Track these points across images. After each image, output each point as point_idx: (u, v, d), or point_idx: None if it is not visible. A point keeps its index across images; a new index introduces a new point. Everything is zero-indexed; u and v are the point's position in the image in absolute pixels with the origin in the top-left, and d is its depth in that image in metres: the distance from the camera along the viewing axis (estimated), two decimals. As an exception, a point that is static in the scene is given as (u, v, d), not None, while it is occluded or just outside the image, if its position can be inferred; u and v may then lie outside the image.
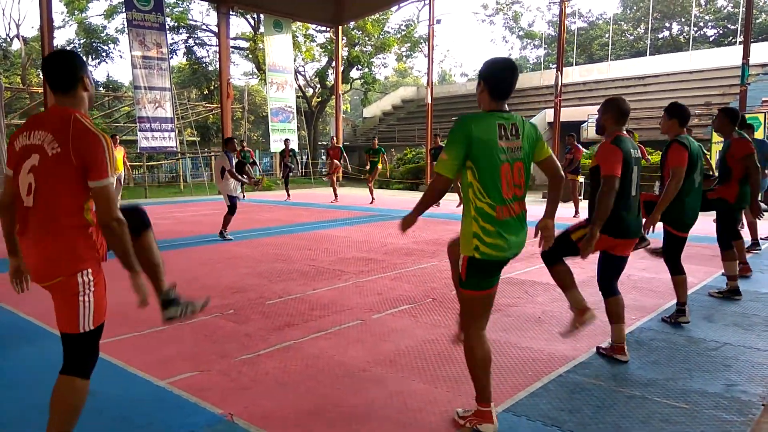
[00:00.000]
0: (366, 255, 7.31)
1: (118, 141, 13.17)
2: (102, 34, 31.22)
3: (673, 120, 4.31)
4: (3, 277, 2.81)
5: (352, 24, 28.53)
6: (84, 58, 2.45)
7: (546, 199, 2.98)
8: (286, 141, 16.83)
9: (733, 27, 36.60)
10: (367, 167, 15.51)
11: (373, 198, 14.90)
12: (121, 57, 33.96)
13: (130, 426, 2.75)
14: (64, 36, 33.10)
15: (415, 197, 17.02)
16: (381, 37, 31.19)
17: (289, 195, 16.04)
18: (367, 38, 30.90)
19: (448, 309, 4.82)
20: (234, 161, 8.83)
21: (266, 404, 3.01)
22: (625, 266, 3.76)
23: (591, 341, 3.96)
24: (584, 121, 23.71)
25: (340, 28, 23.21)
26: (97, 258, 2.27)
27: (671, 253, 4.44)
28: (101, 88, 32.19)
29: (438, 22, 20.21)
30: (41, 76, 21.50)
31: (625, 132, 3.61)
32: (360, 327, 4.33)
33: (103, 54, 31.52)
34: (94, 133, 2.16)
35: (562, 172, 2.85)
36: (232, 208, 8.58)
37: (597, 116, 3.77)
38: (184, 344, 3.96)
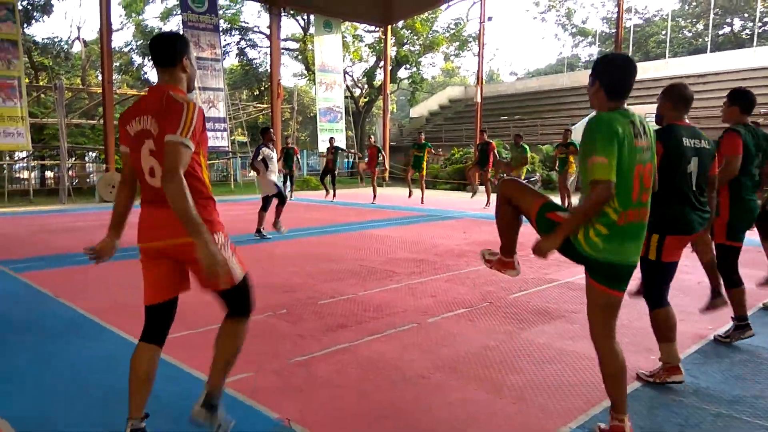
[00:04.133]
0: (417, 256, 7.15)
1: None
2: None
3: (734, 107, 3.93)
4: (62, 272, 2.79)
5: (401, 23, 28.40)
6: (189, 42, 2.51)
7: None
8: (331, 139, 16.75)
9: (801, 22, 34.70)
10: (410, 163, 15.10)
11: (411, 192, 14.63)
12: (176, 58, 34.90)
13: (191, 427, 2.67)
14: (122, 38, 34.35)
15: (462, 197, 16.73)
16: (430, 36, 30.94)
17: (329, 193, 15.81)
18: (416, 37, 30.72)
19: (506, 314, 4.61)
20: (274, 154, 8.83)
21: (322, 409, 2.89)
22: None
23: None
24: (640, 121, 22.90)
25: (389, 27, 23.11)
26: (223, 227, 2.41)
27: (724, 265, 3.95)
28: (156, 89, 33.11)
29: (489, 19, 19.87)
30: (100, 76, 22.25)
31: (686, 120, 3.28)
32: (416, 330, 4.18)
33: (158, 56, 32.37)
34: (178, 101, 2.27)
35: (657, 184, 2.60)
36: (280, 198, 8.55)
37: (657, 107, 3.44)
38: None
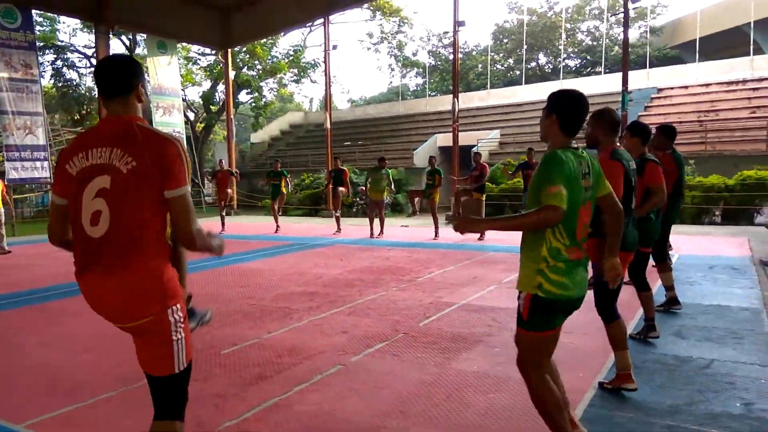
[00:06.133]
0: (305, 288, 6.81)
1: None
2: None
3: (636, 138, 4.37)
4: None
5: (240, 48, 27.65)
6: (141, 66, 2.08)
7: (607, 235, 2.78)
8: None
9: (591, 58, 40.32)
10: (269, 191, 14.61)
11: (278, 226, 14.14)
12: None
13: None
14: None
15: (318, 223, 16.55)
16: (270, 61, 30.55)
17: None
18: (256, 62, 30.11)
19: (426, 344, 4.51)
20: None
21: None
22: None
23: (587, 372, 3.85)
24: (473, 146, 24.70)
25: (229, 51, 22.36)
26: (182, 296, 2.03)
27: (638, 269, 4.42)
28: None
29: (335, 47, 20.08)
30: None
31: (618, 144, 3.56)
32: (344, 373, 3.89)
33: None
34: (164, 137, 1.93)
35: (621, 207, 2.69)
36: None
37: (587, 129, 3.67)
38: (145, 413, 3.27)
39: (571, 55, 42.53)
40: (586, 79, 32.02)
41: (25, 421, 3.17)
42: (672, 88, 25.34)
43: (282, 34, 30.20)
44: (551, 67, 43.16)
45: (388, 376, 3.82)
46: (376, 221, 12.39)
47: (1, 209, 11.01)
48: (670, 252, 8.14)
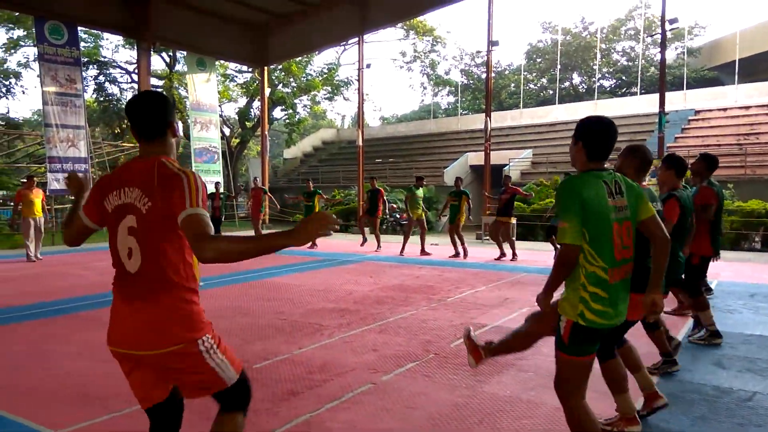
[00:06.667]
0: (336, 305, 6.83)
1: (36, 183, 11.86)
2: (1, 68, 28.83)
3: (671, 170, 4.28)
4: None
5: (276, 65, 28.17)
6: (172, 102, 2.12)
7: (651, 266, 2.65)
8: (216, 184, 15.93)
9: (626, 79, 39.85)
10: (303, 212, 14.81)
11: (314, 243, 14.30)
12: (24, 92, 31.78)
13: None
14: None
15: (348, 239, 16.61)
16: (305, 79, 31.06)
17: None
18: (291, 79, 30.64)
19: (457, 366, 4.47)
20: None
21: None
22: None
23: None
24: (505, 165, 24.58)
25: (265, 69, 22.81)
26: (211, 326, 2.07)
27: None
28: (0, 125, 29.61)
29: (368, 66, 20.30)
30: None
31: (645, 183, 3.50)
32: (375, 392, 3.89)
33: (3, 89, 29.06)
34: (175, 173, 1.94)
35: (666, 234, 2.61)
36: None
37: (617, 161, 3.62)
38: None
39: (606, 75, 42.17)
40: (621, 99, 31.63)
41: (62, 428, 3.24)
42: (710, 110, 24.87)
43: (317, 52, 30.67)
44: (585, 87, 42.81)
45: (419, 396, 3.80)
46: (413, 238, 12.46)
47: (41, 218, 11.41)
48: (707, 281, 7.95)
